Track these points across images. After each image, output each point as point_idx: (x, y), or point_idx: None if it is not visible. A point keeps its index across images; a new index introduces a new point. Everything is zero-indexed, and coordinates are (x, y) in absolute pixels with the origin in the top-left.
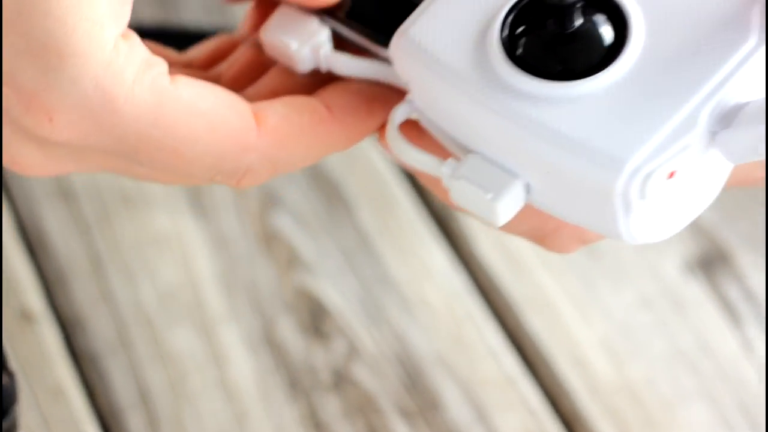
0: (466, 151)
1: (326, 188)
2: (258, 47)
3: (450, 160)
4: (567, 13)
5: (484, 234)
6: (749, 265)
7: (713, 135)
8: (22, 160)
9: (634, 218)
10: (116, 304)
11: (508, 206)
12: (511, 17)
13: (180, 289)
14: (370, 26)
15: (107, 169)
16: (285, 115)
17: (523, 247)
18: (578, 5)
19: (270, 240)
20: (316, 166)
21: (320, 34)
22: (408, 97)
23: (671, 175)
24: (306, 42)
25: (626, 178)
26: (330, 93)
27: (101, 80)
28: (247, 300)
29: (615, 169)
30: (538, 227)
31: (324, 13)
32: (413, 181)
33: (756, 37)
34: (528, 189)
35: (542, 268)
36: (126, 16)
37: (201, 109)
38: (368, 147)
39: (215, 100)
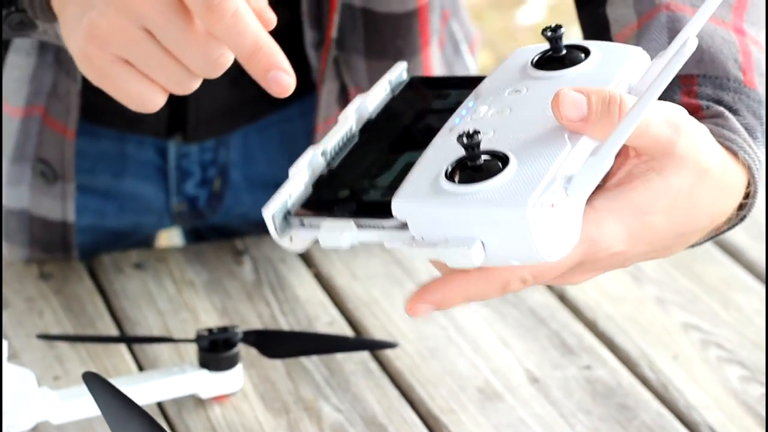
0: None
1: None
2: None
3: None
4: (475, 157)
5: None
6: None
7: (565, 189)
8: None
9: (539, 237)
10: None
11: (478, 254)
12: (450, 168)
13: None
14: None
15: None
16: None
17: None
18: (480, 157)
19: None
20: None
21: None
22: (407, 236)
23: (552, 205)
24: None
25: (530, 208)
26: None
27: None
28: None
29: (522, 205)
30: (497, 283)
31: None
32: None
33: (569, 144)
34: (483, 246)
35: None
36: None
37: None
38: None
39: None
